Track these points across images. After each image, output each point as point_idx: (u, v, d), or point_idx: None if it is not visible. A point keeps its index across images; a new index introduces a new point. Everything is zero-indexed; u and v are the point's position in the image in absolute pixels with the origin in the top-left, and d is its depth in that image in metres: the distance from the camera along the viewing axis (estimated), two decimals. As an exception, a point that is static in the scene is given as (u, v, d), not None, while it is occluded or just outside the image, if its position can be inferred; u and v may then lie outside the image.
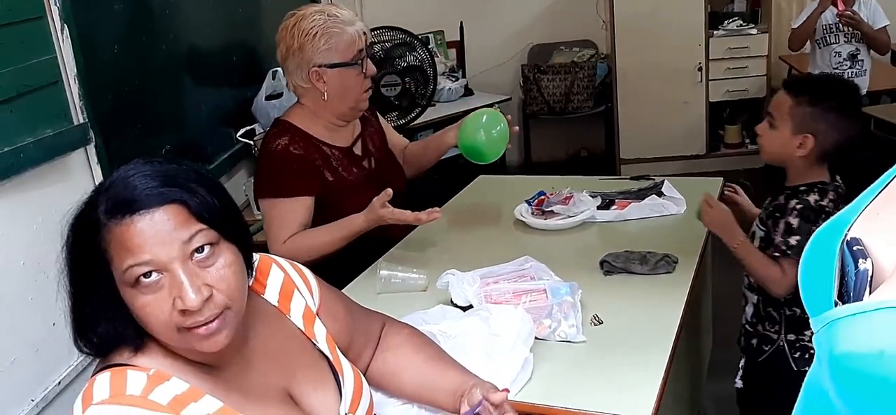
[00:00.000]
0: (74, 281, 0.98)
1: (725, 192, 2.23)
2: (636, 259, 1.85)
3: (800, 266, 0.54)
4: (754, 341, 1.97)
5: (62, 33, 1.80)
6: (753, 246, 1.88)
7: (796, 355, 1.87)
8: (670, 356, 1.49)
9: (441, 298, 1.76)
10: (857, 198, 0.53)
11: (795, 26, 4.01)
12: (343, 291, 1.47)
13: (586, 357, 1.52)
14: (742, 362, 2.09)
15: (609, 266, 1.85)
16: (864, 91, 3.89)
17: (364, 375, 1.26)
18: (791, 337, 1.89)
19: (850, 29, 3.82)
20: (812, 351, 2.04)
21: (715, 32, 4.80)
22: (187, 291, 0.93)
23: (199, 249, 0.96)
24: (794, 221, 1.78)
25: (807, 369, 2.13)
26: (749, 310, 1.98)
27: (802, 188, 1.82)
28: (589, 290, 1.70)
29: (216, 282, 0.97)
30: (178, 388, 0.98)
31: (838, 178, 1.87)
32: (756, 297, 1.95)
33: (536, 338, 1.53)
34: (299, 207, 2.06)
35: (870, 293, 0.47)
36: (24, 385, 1.70)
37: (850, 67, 3.89)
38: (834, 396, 0.46)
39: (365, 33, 2.10)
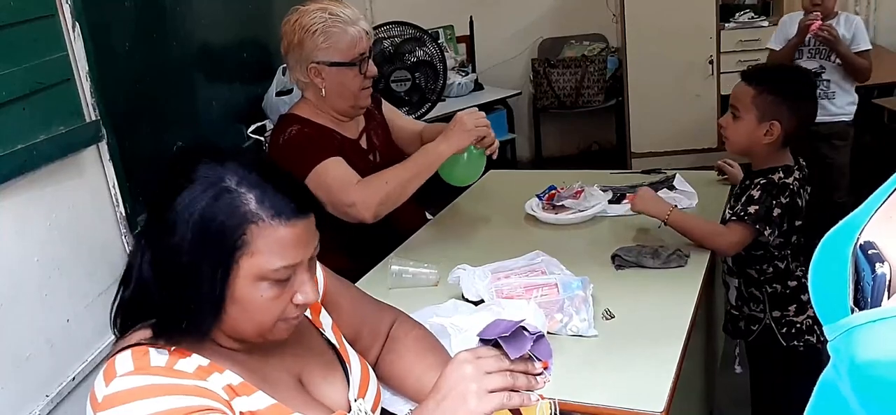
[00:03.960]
0: (186, 264, 0.96)
1: (717, 163, 2.34)
2: (648, 253, 1.84)
3: (810, 270, 0.52)
4: (741, 324, 2.00)
5: (74, 31, 1.80)
6: (686, 212, 1.98)
7: (783, 331, 1.92)
8: (683, 350, 1.48)
9: (452, 293, 1.76)
10: (867, 200, 0.51)
11: (775, 49, 3.53)
12: (355, 285, 1.47)
13: (598, 352, 1.52)
14: (737, 349, 2.11)
15: (620, 260, 1.85)
16: (848, 115, 3.36)
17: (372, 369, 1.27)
18: (776, 314, 1.93)
19: (817, 44, 3.31)
20: (798, 326, 2.02)
21: (726, 25, 4.77)
22: (312, 288, 1.05)
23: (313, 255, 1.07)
24: (756, 194, 1.84)
25: (796, 343, 2.11)
26: (732, 294, 2.02)
27: (767, 170, 1.87)
28: (600, 284, 1.70)
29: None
30: (200, 362, 1.01)
31: (802, 160, 1.93)
32: (736, 280, 2.00)
33: (548, 332, 1.53)
34: (343, 164, 1.99)
35: (888, 298, 0.46)
36: (39, 381, 1.71)
37: None
38: (856, 406, 0.45)
39: (367, 33, 2.08)
